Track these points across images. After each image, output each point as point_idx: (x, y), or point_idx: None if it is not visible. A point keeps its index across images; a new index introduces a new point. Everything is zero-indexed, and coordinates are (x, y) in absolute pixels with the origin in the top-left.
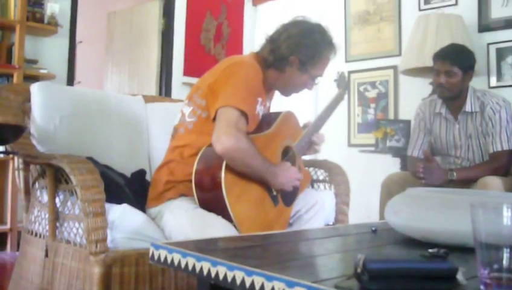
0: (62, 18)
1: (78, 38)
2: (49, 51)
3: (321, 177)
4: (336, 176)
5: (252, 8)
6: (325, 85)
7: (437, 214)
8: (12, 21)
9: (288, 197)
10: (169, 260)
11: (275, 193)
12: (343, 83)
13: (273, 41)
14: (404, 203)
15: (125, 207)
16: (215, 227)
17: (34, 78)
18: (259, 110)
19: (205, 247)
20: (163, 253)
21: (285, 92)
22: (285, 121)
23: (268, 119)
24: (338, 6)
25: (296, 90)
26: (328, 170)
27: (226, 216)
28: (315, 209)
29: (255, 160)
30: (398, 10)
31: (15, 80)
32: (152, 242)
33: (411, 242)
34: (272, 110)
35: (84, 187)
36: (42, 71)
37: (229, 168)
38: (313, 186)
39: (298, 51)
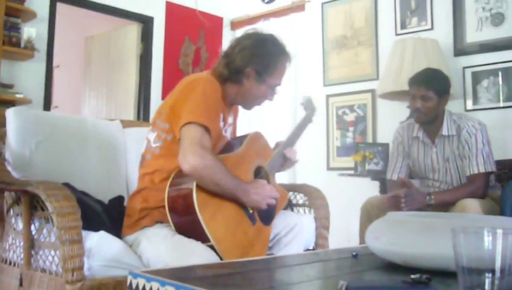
0: (39, 42)
1: (55, 62)
2: (26, 75)
3: (300, 201)
4: (315, 199)
5: (230, 33)
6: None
7: (418, 238)
8: None
9: (266, 216)
10: (147, 289)
11: (251, 211)
12: (310, 105)
13: (227, 56)
14: (384, 227)
15: (102, 234)
16: (196, 254)
17: (10, 103)
18: (223, 126)
19: (184, 275)
20: (141, 281)
21: (247, 105)
22: (254, 141)
23: (235, 141)
24: (316, 31)
25: (257, 102)
26: (308, 193)
27: (204, 238)
28: (294, 232)
29: (223, 177)
30: (375, 34)
31: None
32: (130, 271)
33: (392, 267)
34: (238, 129)
35: (61, 214)
36: (18, 96)
37: (200, 188)
38: (292, 210)
39: (253, 61)
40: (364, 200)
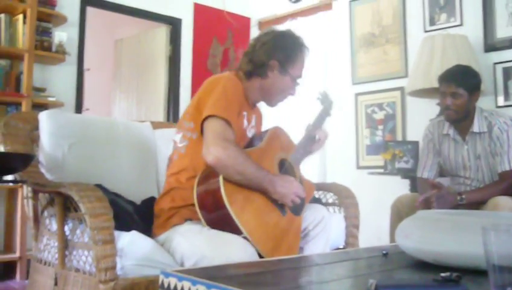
0: (70, 46)
1: (85, 65)
2: (57, 79)
3: (330, 201)
4: (345, 199)
5: (258, 33)
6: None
7: (449, 237)
8: (20, 50)
9: (296, 206)
10: (179, 288)
11: (280, 202)
12: (326, 99)
13: (249, 54)
14: (415, 226)
15: (134, 234)
16: (234, 245)
17: (43, 106)
18: (247, 126)
19: (215, 274)
20: (173, 281)
21: (271, 100)
22: (275, 136)
23: (256, 138)
24: (343, 29)
25: (281, 97)
26: (338, 193)
27: (236, 231)
28: (322, 225)
29: (247, 166)
30: (403, 32)
31: (23, 108)
32: (162, 270)
33: (423, 265)
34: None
35: (93, 215)
36: (50, 99)
37: (226, 181)
38: None
39: (275, 54)
40: (395, 199)
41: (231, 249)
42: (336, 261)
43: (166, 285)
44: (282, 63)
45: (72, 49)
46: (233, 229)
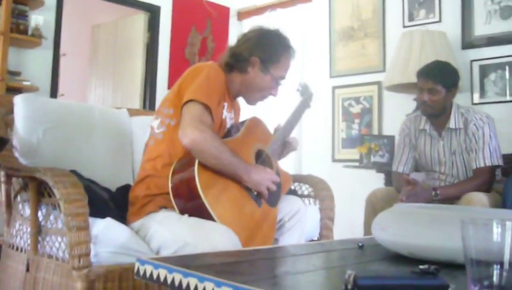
0: (46, 30)
1: (62, 50)
2: (33, 63)
3: (306, 192)
4: (320, 191)
5: (237, 23)
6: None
7: (426, 230)
8: None
9: (271, 197)
10: (155, 276)
11: (255, 193)
12: (306, 91)
13: (233, 48)
14: (391, 219)
15: (108, 221)
16: (218, 233)
17: (17, 90)
18: (226, 116)
19: (191, 263)
20: (149, 268)
21: (251, 98)
22: (252, 126)
23: (233, 128)
24: (323, 22)
25: (261, 95)
26: (313, 184)
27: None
28: (297, 217)
29: (223, 151)
30: (382, 26)
31: None
32: (137, 257)
33: (399, 258)
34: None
35: (68, 201)
36: (25, 83)
37: (201, 169)
38: None
39: (258, 50)
40: (369, 192)
41: (215, 237)
42: (311, 253)
43: (141, 272)
44: (264, 61)
45: (49, 33)
46: (208, 219)
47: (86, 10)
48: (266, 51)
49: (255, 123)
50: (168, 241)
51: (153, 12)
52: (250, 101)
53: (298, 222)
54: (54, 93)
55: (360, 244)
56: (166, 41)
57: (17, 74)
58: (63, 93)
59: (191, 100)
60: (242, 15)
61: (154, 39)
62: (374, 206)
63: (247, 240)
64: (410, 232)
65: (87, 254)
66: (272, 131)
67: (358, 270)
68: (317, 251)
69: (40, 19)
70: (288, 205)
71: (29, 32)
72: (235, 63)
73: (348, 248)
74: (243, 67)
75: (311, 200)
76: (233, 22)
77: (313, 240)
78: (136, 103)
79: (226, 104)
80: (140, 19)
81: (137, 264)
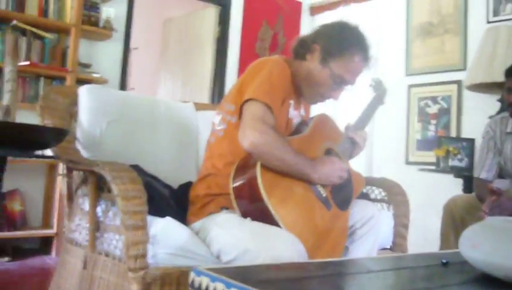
0: (117, 23)
1: (133, 44)
2: (103, 56)
3: (379, 197)
4: (395, 195)
5: (310, 18)
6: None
7: None
8: (67, 24)
9: (342, 200)
10: (211, 289)
11: (324, 195)
12: (380, 86)
13: (303, 35)
14: (485, 234)
15: (168, 221)
16: (282, 240)
17: (87, 82)
18: (293, 115)
19: (252, 276)
20: (205, 280)
21: (308, 93)
22: (321, 123)
23: (300, 126)
24: (399, 17)
25: (318, 93)
26: (387, 188)
27: (274, 225)
28: (370, 224)
29: (286, 152)
30: (464, 22)
31: (68, 83)
32: (193, 267)
33: (492, 281)
34: None
35: (125, 198)
36: (95, 75)
37: (264, 170)
38: None
39: (322, 39)
40: (448, 199)
41: (278, 244)
42: (389, 269)
43: (196, 285)
44: (325, 51)
45: (120, 26)
46: (271, 223)
47: (158, 4)
48: (331, 42)
49: (324, 120)
50: (229, 246)
51: (224, 7)
52: (308, 98)
53: (371, 229)
54: (123, 86)
55: (444, 261)
56: (236, 36)
57: (88, 66)
58: (133, 87)
59: (251, 99)
60: (315, 10)
61: (225, 33)
62: (453, 215)
63: (314, 247)
64: (507, 252)
65: (144, 255)
66: (342, 129)
67: None
68: (396, 266)
69: (111, 11)
70: (360, 211)
71: (101, 25)
72: (297, 48)
73: (431, 265)
74: (304, 53)
75: (385, 205)
76: (305, 17)
77: (385, 249)
78: (205, 98)
79: (292, 102)
80: (211, 13)
81: (192, 275)
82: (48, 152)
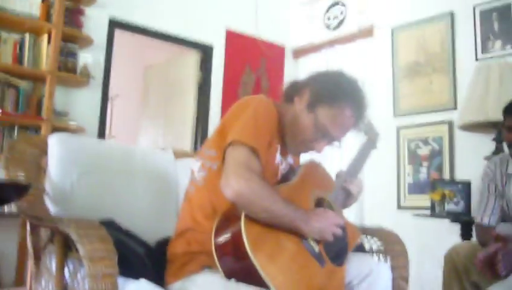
0: (96, 69)
1: (113, 91)
2: (81, 103)
3: (374, 246)
4: (392, 245)
5: (293, 62)
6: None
7: None
8: (43, 71)
9: (336, 254)
10: None
11: (317, 250)
12: (371, 130)
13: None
14: None
15: (142, 283)
16: None
17: (63, 131)
18: (280, 161)
19: None
20: None
21: (290, 141)
22: (310, 171)
23: (289, 173)
24: (385, 58)
25: (301, 142)
26: (383, 238)
27: (262, 285)
28: (369, 281)
29: (275, 202)
30: (452, 60)
31: (43, 132)
32: None
33: None
34: None
35: (93, 259)
36: (72, 123)
37: (250, 222)
38: None
39: (315, 83)
40: (449, 248)
41: None
42: None
43: None
44: (314, 96)
45: (98, 73)
46: (259, 283)
47: (138, 50)
48: (323, 85)
49: (314, 167)
50: None
51: (206, 52)
52: (290, 145)
53: (370, 286)
54: (101, 134)
55: None
56: (219, 81)
57: (65, 114)
58: (114, 135)
59: (235, 142)
60: (298, 53)
61: (207, 78)
62: (455, 265)
63: None
64: None
65: None
66: (333, 176)
67: None
68: None
69: (88, 57)
70: (357, 265)
71: (78, 71)
72: (290, 91)
73: None
74: (291, 96)
75: (381, 256)
76: (289, 61)
77: None
78: (188, 145)
79: (278, 146)
80: (192, 58)
81: None
82: None
